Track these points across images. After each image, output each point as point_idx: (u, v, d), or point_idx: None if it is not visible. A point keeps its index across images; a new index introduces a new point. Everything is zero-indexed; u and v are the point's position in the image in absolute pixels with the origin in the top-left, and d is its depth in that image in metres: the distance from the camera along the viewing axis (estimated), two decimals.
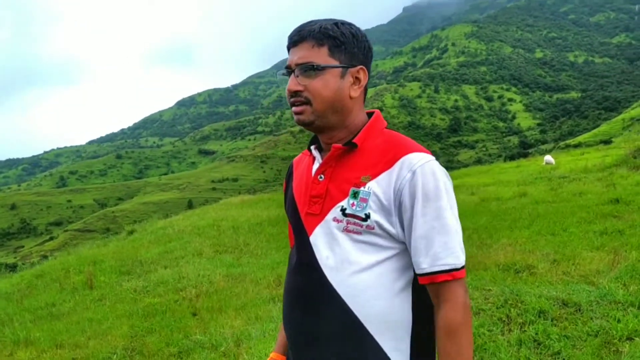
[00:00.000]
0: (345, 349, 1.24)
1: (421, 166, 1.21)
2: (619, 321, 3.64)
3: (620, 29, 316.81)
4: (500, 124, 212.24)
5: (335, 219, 1.26)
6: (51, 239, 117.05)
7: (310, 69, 1.26)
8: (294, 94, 1.28)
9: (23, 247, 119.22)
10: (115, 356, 4.21)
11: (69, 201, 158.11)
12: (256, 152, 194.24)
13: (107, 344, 4.52)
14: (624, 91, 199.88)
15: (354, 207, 1.23)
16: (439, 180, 1.22)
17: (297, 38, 1.29)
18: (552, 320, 3.79)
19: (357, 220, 1.23)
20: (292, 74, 1.29)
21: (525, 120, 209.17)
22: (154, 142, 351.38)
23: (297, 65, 1.28)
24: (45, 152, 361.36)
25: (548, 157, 20.23)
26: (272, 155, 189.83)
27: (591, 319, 3.76)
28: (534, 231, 6.88)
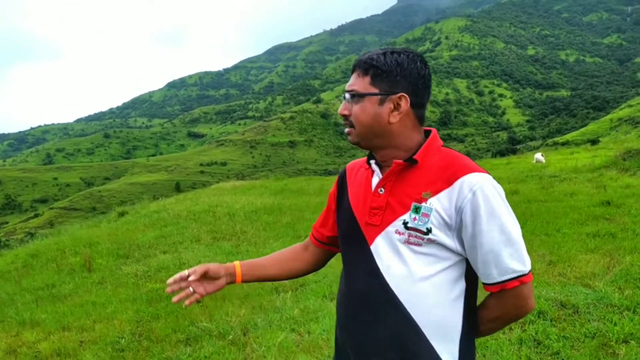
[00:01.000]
0: (403, 353, 1.35)
1: (480, 187, 1.31)
2: (615, 324, 3.79)
3: (612, 29, 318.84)
4: (490, 119, 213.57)
5: (397, 231, 1.36)
6: (36, 216, 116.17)
7: (353, 96, 1.42)
8: (344, 117, 1.45)
9: (7, 223, 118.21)
10: (123, 340, 4.28)
11: (55, 179, 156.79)
12: (246, 137, 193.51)
13: (114, 328, 4.59)
14: (612, 91, 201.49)
15: (416, 222, 1.34)
16: (498, 198, 1.33)
17: (354, 65, 1.45)
18: (551, 321, 3.94)
19: (418, 234, 1.34)
20: (344, 100, 1.45)
21: (514, 116, 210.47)
22: (143, 123, 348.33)
23: (346, 91, 1.43)
24: (32, 129, 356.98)
25: (538, 156, 20.40)
26: (261, 140, 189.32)
27: (588, 321, 3.91)
28: (528, 230, 7.03)
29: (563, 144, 55.91)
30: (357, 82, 1.41)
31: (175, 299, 1.51)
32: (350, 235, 1.48)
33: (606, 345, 3.54)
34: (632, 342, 3.54)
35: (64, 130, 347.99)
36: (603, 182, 11.30)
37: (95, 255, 7.87)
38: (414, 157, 1.39)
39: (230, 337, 4.13)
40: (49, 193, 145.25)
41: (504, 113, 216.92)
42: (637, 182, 10.82)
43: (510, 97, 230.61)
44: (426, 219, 1.33)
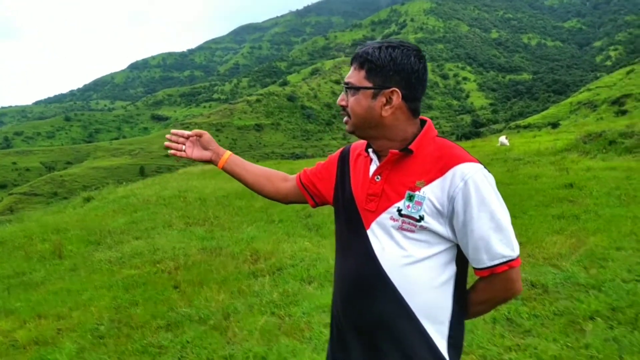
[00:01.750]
0: (395, 331, 1.43)
1: (472, 176, 1.38)
2: (582, 302, 3.99)
3: (573, 13, 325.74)
4: (454, 102, 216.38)
5: (391, 218, 1.44)
6: None
7: (349, 89, 1.49)
8: (342, 107, 1.53)
9: None
10: (102, 327, 4.27)
11: (14, 163, 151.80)
12: (211, 120, 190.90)
13: (92, 315, 4.56)
14: (572, 75, 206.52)
15: (409, 209, 1.42)
16: (489, 187, 1.40)
17: (352, 58, 1.52)
18: (522, 300, 4.11)
19: (411, 221, 1.41)
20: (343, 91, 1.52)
21: (478, 100, 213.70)
22: (105, 105, 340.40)
23: (344, 83, 1.51)
24: None
25: (502, 139, 20.80)
26: (227, 124, 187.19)
27: (557, 299, 4.10)
28: None
29: (525, 127, 57.19)
30: (353, 75, 1.48)
31: (171, 152, 1.81)
32: (349, 218, 1.55)
33: (574, 322, 3.72)
34: (598, 318, 3.73)
35: (22, 113, 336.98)
36: (565, 165, 11.66)
37: (64, 241, 7.74)
38: (410, 147, 1.46)
39: (212, 322, 4.16)
40: (7, 178, 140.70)
41: (467, 96, 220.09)
42: (597, 165, 11.21)
43: (474, 81, 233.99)
44: (419, 207, 1.40)
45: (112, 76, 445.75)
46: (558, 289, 4.29)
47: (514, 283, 1.45)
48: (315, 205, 1.80)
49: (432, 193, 1.40)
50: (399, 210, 1.42)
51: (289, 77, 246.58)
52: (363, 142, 1.64)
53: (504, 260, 1.40)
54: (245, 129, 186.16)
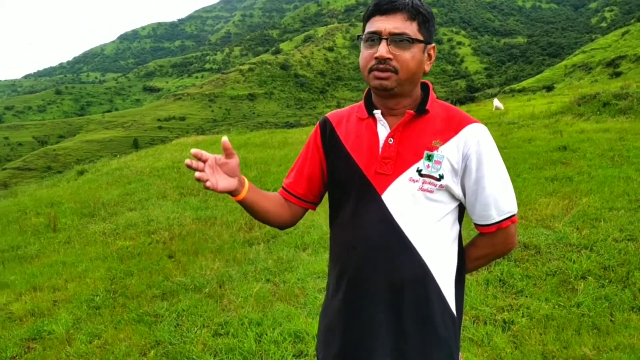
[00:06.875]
0: (417, 293, 1.42)
1: (483, 136, 1.42)
2: (574, 262, 4.02)
3: None
4: (449, 67, 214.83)
5: (410, 179, 1.40)
6: None
7: (404, 41, 1.36)
8: (384, 60, 1.37)
9: None
10: (98, 298, 4.29)
11: (6, 138, 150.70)
12: (204, 91, 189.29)
13: (87, 286, 4.58)
14: (567, 37, 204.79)
15: (429, 169, 1.40)
16: (495, 147, 1.45)
17: (390, 7, 1.38)
18: (515, 262, 4.14)
19: (432, 180, 1.40)
20: (382, 41, 1.37)
21: (472, 64, 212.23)
22: (96, 78, 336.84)
23: (391, 34, 1.36)
24: None
25: (497, 103, 20.73)
26: (220, 94, 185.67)
27: (549, 260, 4.13)
28: None
29: (520, 90, 56.87)
30: (405, 27, 1.37)
31: (197, 174, 1.33)
32: (357, 186, 1.47)
33: (566, 282, 3.76)
34: (590, 277, 3.77)
35: (12, 87, 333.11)
36: (559, 128, 11.64)
37: (59, 215, 7.73)
38: (426, 107, 1.44)
39: (207, 290, 4.18)
40: (0, 153, 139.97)
41: (462, 61, 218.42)
42: (591, 127, 11.19)
43: (469, 45, 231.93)
44: (439, 166, 1.40)
45: (102, 48, 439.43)
46: (550, 249, 4.32)
47: (513, 237, 1.52)
48: (316, 206, 1.67)
49: (449, 152, 1.40)
50: (419, 171, 1.40)
51: (281, 45, 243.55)
52: (343, 110, 1.59)
53: (509, 215, 1.46)
54: (239, 98, 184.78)
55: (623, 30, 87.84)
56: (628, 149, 8.21)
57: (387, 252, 1.42)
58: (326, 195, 1.64)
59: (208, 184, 1.34)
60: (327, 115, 1.64)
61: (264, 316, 3.59)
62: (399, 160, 1.42)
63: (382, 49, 1.36)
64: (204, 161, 1.35)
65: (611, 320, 3.21)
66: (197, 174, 1.33)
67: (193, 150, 1.34)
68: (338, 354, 1.51)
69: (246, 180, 1.47)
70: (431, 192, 1.40)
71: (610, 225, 4.76)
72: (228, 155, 1.38)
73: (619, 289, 3.57)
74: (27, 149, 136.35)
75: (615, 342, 2.96)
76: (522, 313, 3.36)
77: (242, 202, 1.48)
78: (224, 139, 1.36)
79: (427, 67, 1.45)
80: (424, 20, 1.40)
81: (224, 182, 1.39)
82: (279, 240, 5.35)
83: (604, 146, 8.66)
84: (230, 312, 3.75)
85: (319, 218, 5.93)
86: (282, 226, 1.64)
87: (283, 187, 1.64)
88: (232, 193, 1.43)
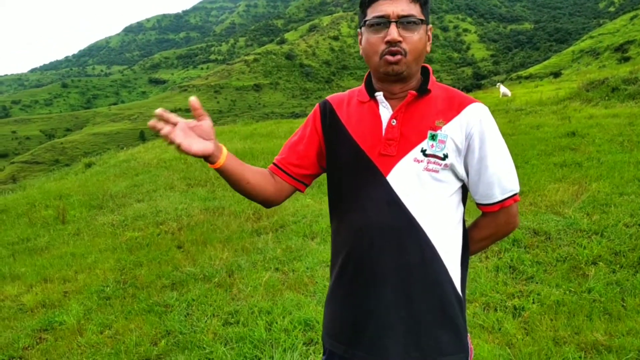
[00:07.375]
0: (426, 274, 1.41)
1: (484, 115, 1.42)
2: (584, 248, 3.99)
3: None
4: (455, 55, 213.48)
5: (415, 159, 1.39)
6: None
7: (411, 23, 1.36)
8: (393, 43, 1.35)
9: None
10: (108, 289, 4.31)
11: (14, 132, 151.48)
12: (209, 82, 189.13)
13: (97, 277, 4.60)
14: (575, 23, 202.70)
15: (433, 148, 1.39)
16: (496, 125, 1.44)
17: None
18: (525, 248, 4.12)
19: (437, 160, 1.38)
20: (392, 24, 1.35)
21: (479, 51, 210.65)
22: (102, 71, 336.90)
23: (400, 16, 1.35)
24: None
25: (504, 89, 20.58)
26: (225, 85, 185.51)
27: (559, 246, 4.10)
28: None
29: (527, 77, 56.41)
30: (411, 9, 1.36)
31: (163, 131, 1.25)
32: (360, 169, 1.46)
33: (576, 267, 3.73)
34: (600, 263, 3.74)
35: (18, 81, 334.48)
36: (567, 114, 11.56)
37: (67, 207, 7.76)
38: (428, 87, 1.43)
39: (216, 279, 4.19)
40: (8, 147, 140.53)
41: (468, 48, 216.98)
42: (599, 112, 11.10)
43: (475, 32, 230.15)
44: (443, 145, 1.38)
45: (107, 40, 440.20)
46: (560, 235, 4.29)
47: (515, 217, 1.51)
48: (305, 187, 1.62)
49: (452, 131, 1.39)
50: (424, 151, 1.39)
51: (286, 35, 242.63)
52: (344, 94, 1.58)
53: (512, 193, 1.45)
54: (244, 89, 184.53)
55: (631, 14, 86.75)
56: (637, 134, 8.14)
57: (395, 233, 1.40)
58: (326, 189, 1.61)
59: (181, 145, 1.26)
60: (327, 97, 1.62)
61: (273, 305, 3.60)
62: (402, 141, 1.40)
63: (394, 32, 1.34)
64: (173, 124, 1.27)
65: (622, 306, 3.19)
66: (164, 130, 1.25)
67: (157, 110, 1.27)
68: (347, 341, 1.47)
69: (224, 148, 1.40)
70: (436, 172, 1.39)
71: (621, 211, 4.72)
72: (199, 116, 1.31)
73: (630, 274, 3.54)
74: (35, 143, 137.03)
75: (627, 327, 2.94)
76: (533, 299, 3.35)
77: (221, 170, 1.40)
78: (192, 98, 1.28)
79: (429, 48, 1.44)
80: (425, 1, 1.40)
81: (198, 144, 1.30)
82: (287, 230, 5.35)
83: (613, 131, 8.59)
84: (240, 301, 3.75)
85: (327, 207, 5.92)
86: (266, 201, 1.56)
87: (273, 163, 1.59)
88: (210, 160, 1.36)
